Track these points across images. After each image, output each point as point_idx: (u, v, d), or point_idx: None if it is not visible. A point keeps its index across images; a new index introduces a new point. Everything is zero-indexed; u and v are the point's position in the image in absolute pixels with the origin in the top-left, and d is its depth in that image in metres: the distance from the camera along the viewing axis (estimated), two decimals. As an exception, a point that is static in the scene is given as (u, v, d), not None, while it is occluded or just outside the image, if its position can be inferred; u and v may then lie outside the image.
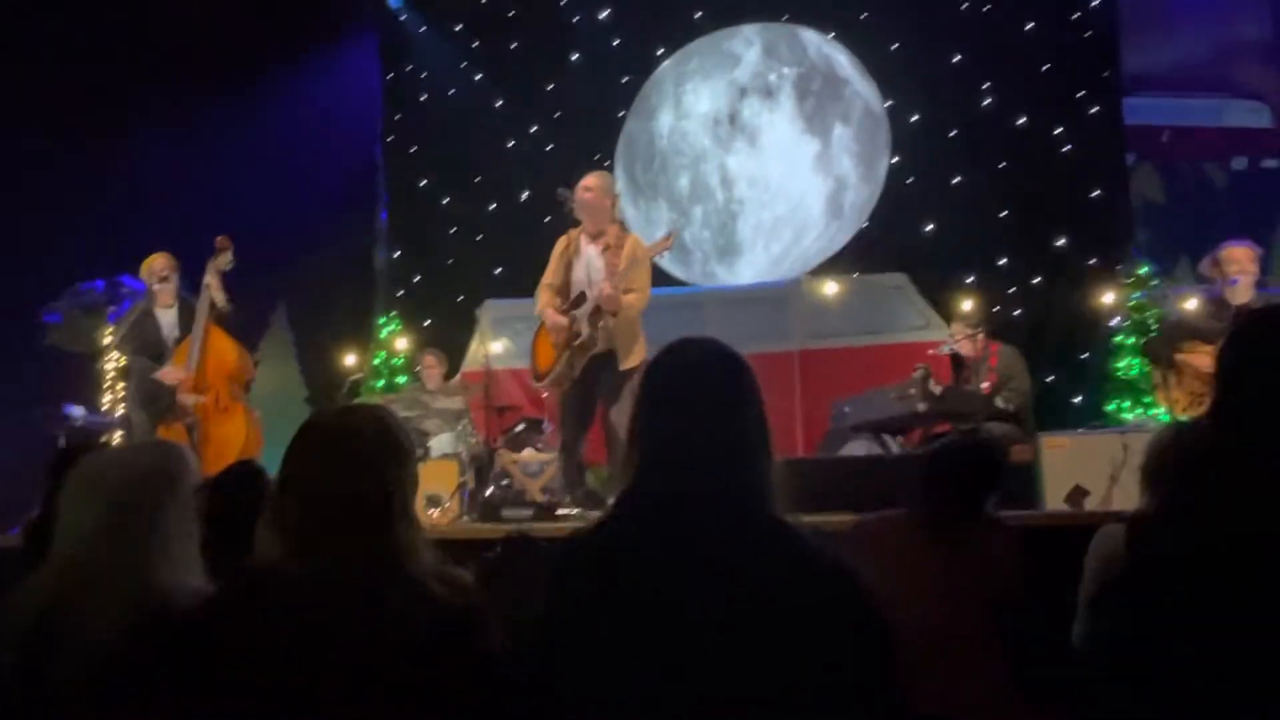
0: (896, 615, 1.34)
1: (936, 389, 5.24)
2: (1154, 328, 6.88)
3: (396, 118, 9.63)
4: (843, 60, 8.63)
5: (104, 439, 7.25)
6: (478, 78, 9.40)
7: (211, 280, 5.63)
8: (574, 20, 9.15)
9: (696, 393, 1.40)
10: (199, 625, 1.47)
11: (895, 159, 8.38)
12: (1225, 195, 8.33)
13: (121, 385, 7.61)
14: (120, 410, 7.57)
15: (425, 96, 9.54)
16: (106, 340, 7.68)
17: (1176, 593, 1.27)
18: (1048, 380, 7.16)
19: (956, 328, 6.04)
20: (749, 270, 8.77)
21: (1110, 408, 7.17)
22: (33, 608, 1.62)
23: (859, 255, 8.26)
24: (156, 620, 1.54)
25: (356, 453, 1.56)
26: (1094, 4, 7.84)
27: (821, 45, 8.70)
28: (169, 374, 5.56)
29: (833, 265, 8.23)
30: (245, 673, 1.39)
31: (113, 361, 7.64)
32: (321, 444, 1.60)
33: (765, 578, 1.26)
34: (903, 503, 2.78)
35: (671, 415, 1.39)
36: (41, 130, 7.78)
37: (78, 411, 7.02)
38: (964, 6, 8.12)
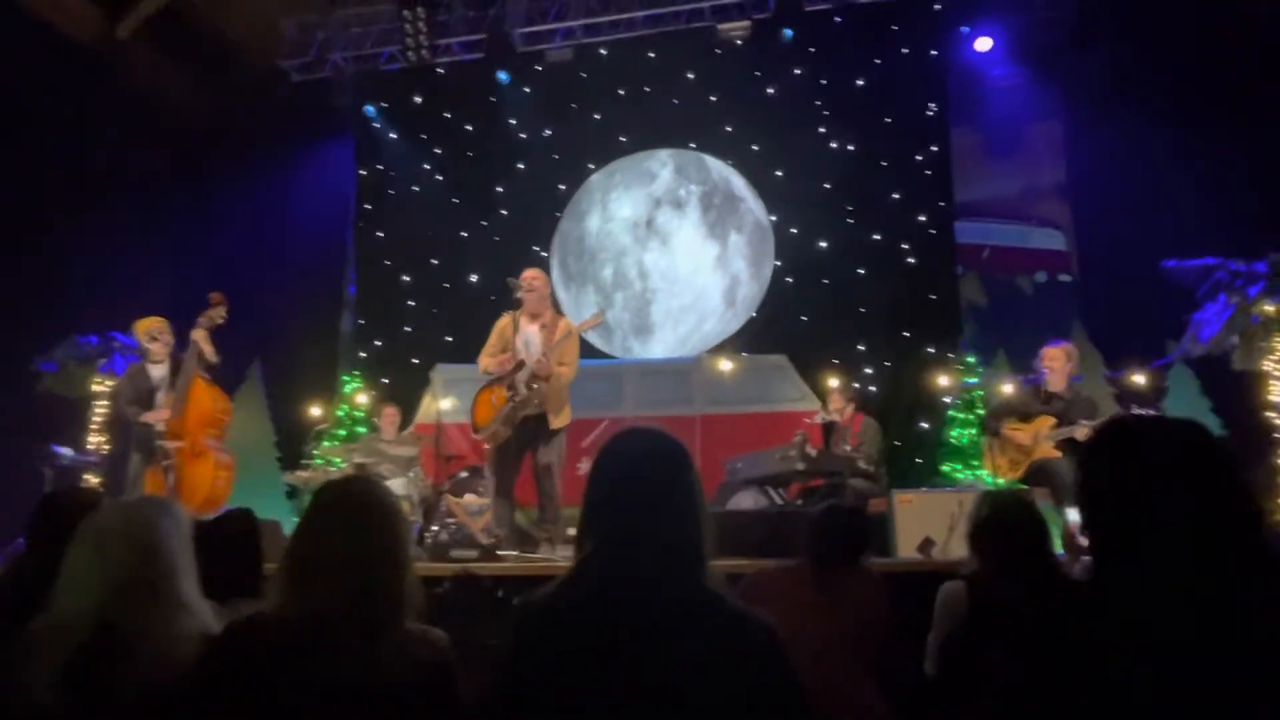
0: (792, 648, 1.31)
1: (812, 451, 5.28)
2: (979, 408, 7.08)
3: (367, 207, 9.49)
4: (738, 182, 8.84)
5: (86, 477, 6.80)
6: (438, 178, 9.34)
7: (200, 334, 5.36)
8: (521, 137, 9.21)
9: (642, 480, 1.34)
10: (214, 668, 1.35)
11: (778, 262, 8.55)
12: (1031, 301, 8.57)
13: (105, 431, 7.17)
14: (103, 451, 7.12)
15: (393, 191, 9.43)
16: (96, 388, 7.22)
17: (1010, 639, 1.26)
18: (896, 444, 7.27)
19: (834, 400, 6.12)
20: (660, 347, 8.80)
21: (945, 469, 7.31)
22: (53, 660, 1.44)
23: (748, 339, 8.37)
24: (184, 668, 1.41)
25: (363, 517, 1.47)
26: (933, 149, 8.18)
27: (722, 169, 8.91)
28: (154, 416, 5.26)
29: (727, 346, 8.32)
30: (250, 711, 1.28)
31: (101, 408, 7.19)
32: (333, 509, 1.50)
33: (698, 646, 1.22)
34: (793, 554, 2.77)
35: (621, 499, 1.34)
36: (45, 201, 7.38)
37: (65, 451, 6.55)
38: (832, 145, 8.41)
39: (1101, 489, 1.19)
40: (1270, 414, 6.03)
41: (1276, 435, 5.97)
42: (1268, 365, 6.05)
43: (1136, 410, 4.92)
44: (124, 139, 7.80)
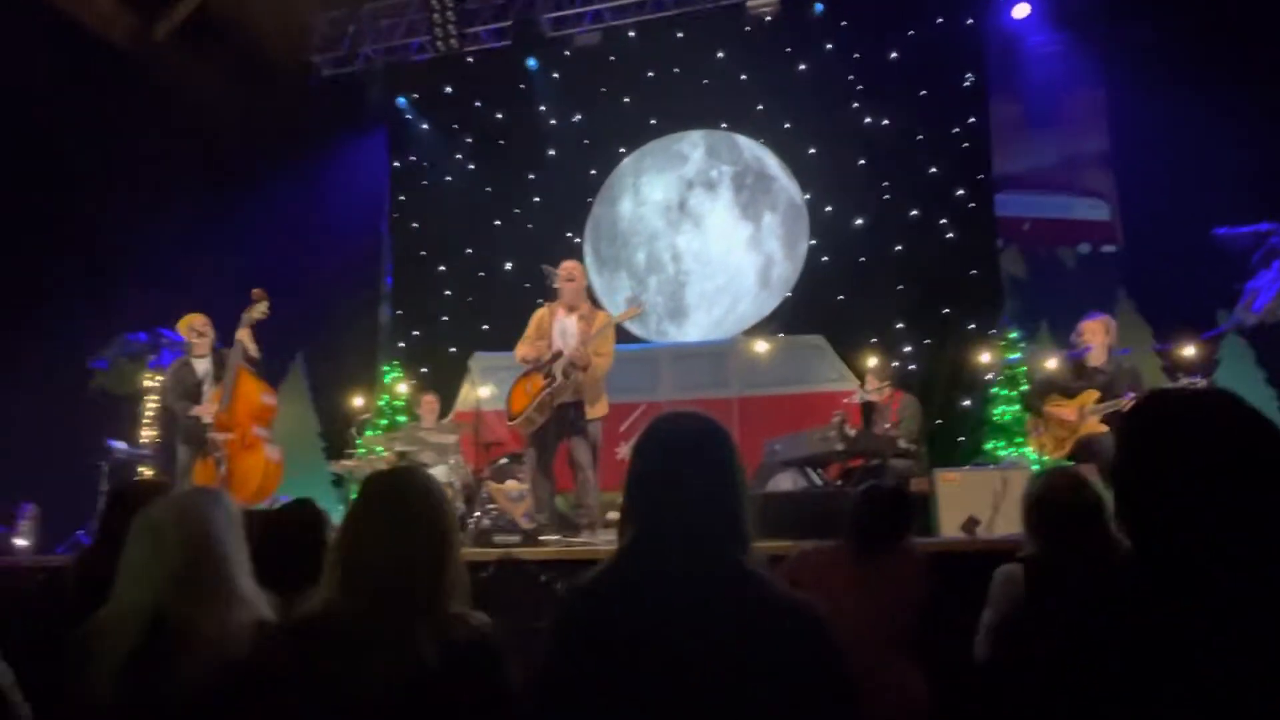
0: (837, 629, 1.30)
1: (851, 431, 5.25)
2: (1023, 384, 6.96)
3: (401, 199, 9.57)
4: (771, 161, 8.76)
5: (141, 469, 7.00)
6: (470, 168, 9.39)
7: (243, 331, 5.49)
8: (551, 123, 9.20)
9: (686, 463, 1.34)
10: (269, 662, 1.38)
11: (813, 241, 8.47)
12: (1074, 274, 8.38)
13: (156, 425, 7.38)
14: (156, 444, 7.33)
15: (426, 182, 9.50)
16: (147, 384, 7.43)
17: (1072, 629, 1.23)
18: (937, 423, 7.20)
19: (870, 380, 6.06)
20: (695, 330, 8.77)
21: (988, 447, 7.18)
22: (116, 650, 1.49)
23: (784, 319, 8.31)
24: (239, 660, 1.45)
25: (411, 506, 1.49)
26: (971, 120, 8.01)
27: (754, 148, 8.83)
28: (203, 410, 5.41)
29: (763, 327, 8.28)
30: (304, 700, 1.31)
31: (152, 403, 7.40)
32: (381, 500, 1.52)
33: (744, 631, 1.22)
34: (836, 535, 2.76)
35: (664, 483, 1.34)
36: (89, 203, 7.58)
37: (120, 446, 6.76)
38: (866, 121, 8.27)
39: (1134, 466, 1.14)
40: (1328, 384, 5.84)
41: (1335, 406, 5.78)
42: (1326, 334, 5.85)
43: (1186, 381, 4.79)
44: (163, 140, 7.96)
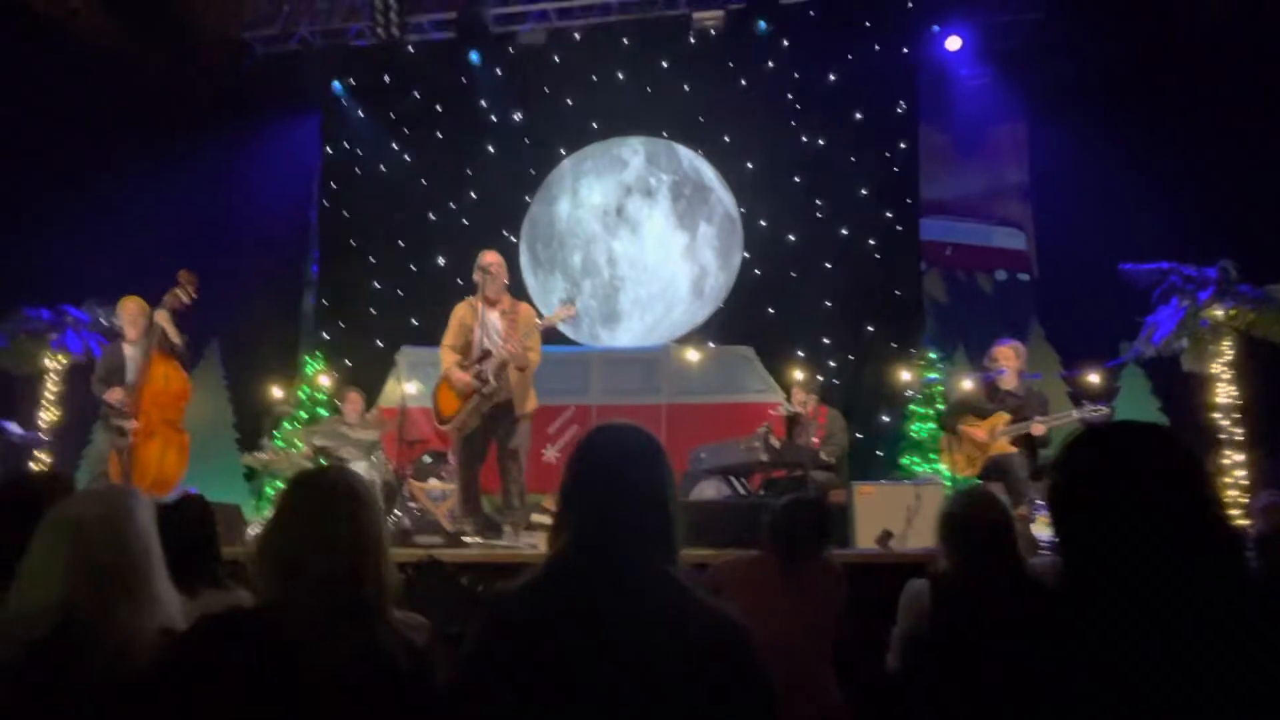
0: (758, 638, 1.33)
1: (776, 442, 5.34)
2: (939, 403, 7.21)
3: (332, 186, 9.33)
4: (709, 173, 8.85)
5: (37, 454, 6.63)
6: (406, 159, 9.21)
7: (162, 314, 5.25)
8: (491, 119, 9.10)
9: (622, 475, 1.36)
10: (190, 663, 1.33)
11: (746, 254, 8.60)
12: (991, 299, 8.71)
13: (58, 408, 7.00)
14: (54, 427, 6.95)
15: (359, 170, 9.28)
16: (48, 364, 7.03)
17: (974, 640, 1.28)
18: (857, 437, 7.36)
19: (796, 393, 6.18)
20: (627, 335, 8.79)
21: (905, 462, 7.43)
22: (10, 655, 1.40)
23: (715, 329, 8.41)
24: (144, 663, 1.38)
25: (344, 506, 1.46)
26: (901, 145, 8.27)
27: (693, 159, 8.91)
28: (111, 395, 5.15)
29: (694, 336, 8.35)
30: (235, 708, 1.27)
31: (53, 385, 7.00)
32: (311, 499, 1.48)
33: (668, 638, 1.23)
34: (759, 544, 2.81)
35: (598, 494, 1.35)
36: (4, 169, 7.12)
37: (14, 428, 6.37)
38: (804, 139, 8.46)
39: (1076, 494, 1.20)
40: (1216, 415, 6.24)
41: (1221, 436, 6.18)
42: (1215, 368, 6.26)
43: (1090, 408, 5.05)
44: (77, 107, 7.55)
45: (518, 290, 7.54)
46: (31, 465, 6.52)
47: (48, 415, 6.98)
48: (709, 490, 5.67)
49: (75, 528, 1.51)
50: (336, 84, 9.14)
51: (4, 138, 6.98)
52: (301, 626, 1.33)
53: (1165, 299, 6.27)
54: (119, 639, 1.43)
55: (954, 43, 8.34)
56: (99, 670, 1.40)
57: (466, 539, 4.63)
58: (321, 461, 6.02)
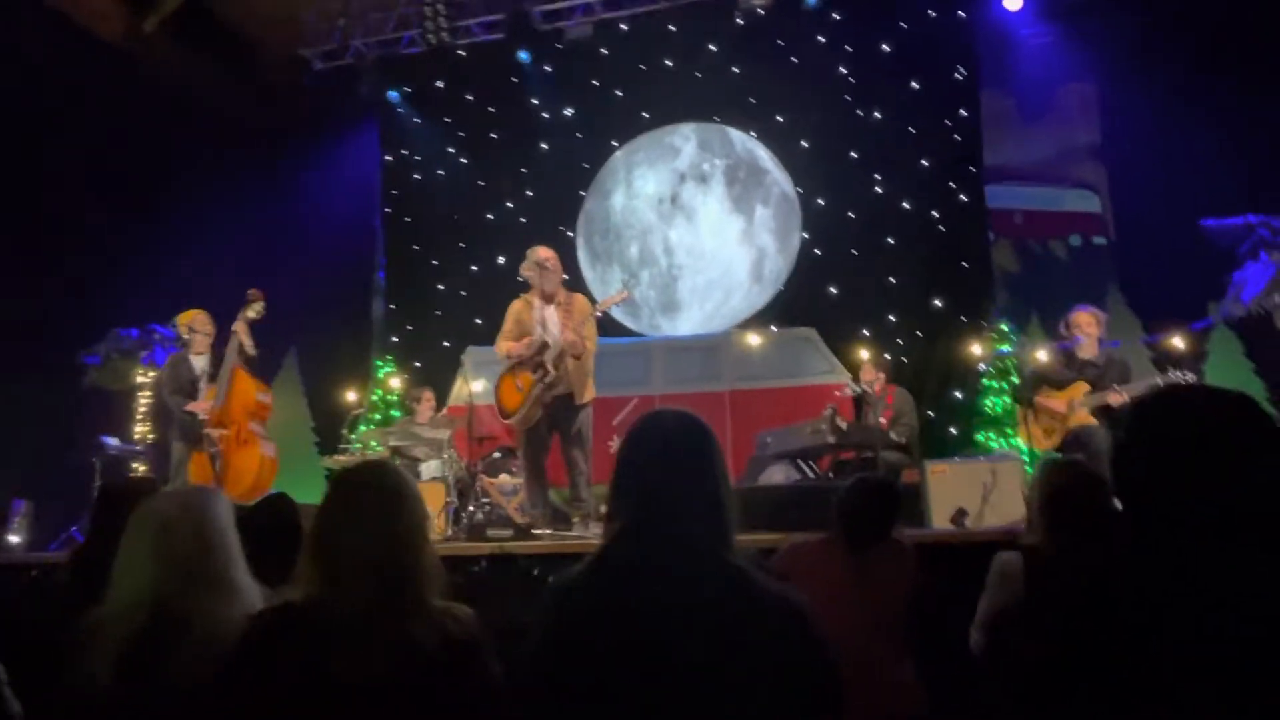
0: (825, 623, 1.32)
1: (842, 424, 5.28)
2: (1013, 376, 6.98)
3: (393, 193, 9.54)
4: (763, 154, 8.74)
5: (135, 466, 6.99)
6: (463, 161, 9.36)
7: (240, 327, 5.50)
8: (543, 116, 9.17)
9: (671, 461, 1.36)
10: (247, 654, 1.40)
11: (805, 235, 8.46)
12: (1065, 266, 8.41)
13: (150, 421, 7.37)
14: (149, 440, 7.32)
15: (418, 176, 9.47)
16: (140, 380, 7.42)
17: (1073, 622, 1.22)
18: (929, 414, 7.22)
19: (866, 372, 6.07)
20: (687, 324, 8.76)
21: (979, 438, 7.22)
22: (112, 645, 1.51)
23: (776, 313, 8.30)
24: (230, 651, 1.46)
25: (381, 501, 1.51)
26: (962, 113, 8.00)
27: (746, 141, 8.81)
28: (199, 406, 5.42)
29: (755, 321, 8.26)
30: (289, 691, 1.32)
31: (145, 399, 7.39)
32: (351, 495, 1.54)
33: (727, 624, 1.23)
34: (825, 527, 2.77)
35: (649, 480, 1.36)
36: (80, 199, 7.54)
37: (113, 442, 6.75)
38: (859, 113, 8.26)
39: (1141, 461, 1.15)
40: (1317, 375, 5.89)
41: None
42: (1313, 324, 5.90)
43: (1176, 375, 4.81)
44: (154, 135, 7.94)
45: (577, 285, 7.60)
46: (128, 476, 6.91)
47: (140, 428, 7.37)
48: (777, 475, 5.64)
49: (159, 522, 1.60)
50: (392, 93, 9.35)
51: (83, 166, 7.39)
52: (339, 618, 1.38)
53: (1253, 254, 5.93)
54: (206, 626, 1.52)
55: (1014, 2, 8.02)
56: (193, 654, 1.48)
57: (537, 531, 4.70)
58: (397, 461, 6.20)
